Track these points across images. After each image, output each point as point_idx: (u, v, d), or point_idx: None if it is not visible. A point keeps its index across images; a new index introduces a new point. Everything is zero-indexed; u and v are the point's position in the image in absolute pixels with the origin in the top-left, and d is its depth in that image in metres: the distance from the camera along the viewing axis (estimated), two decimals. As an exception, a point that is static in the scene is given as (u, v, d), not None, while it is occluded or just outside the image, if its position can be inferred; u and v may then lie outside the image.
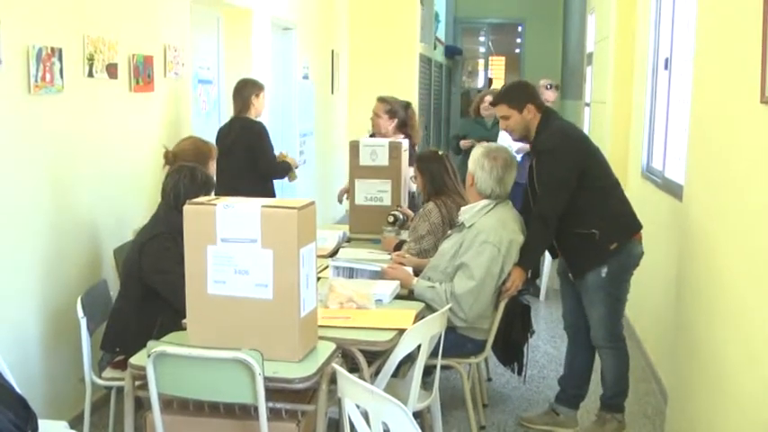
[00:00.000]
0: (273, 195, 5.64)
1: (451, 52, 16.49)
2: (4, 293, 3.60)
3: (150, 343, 2.65)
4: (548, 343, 5.68)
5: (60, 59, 3.83)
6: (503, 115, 4.02)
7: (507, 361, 4.35)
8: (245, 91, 5.58)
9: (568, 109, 12.12)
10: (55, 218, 3.92)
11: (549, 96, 7.33)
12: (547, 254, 7.00)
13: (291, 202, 2.77)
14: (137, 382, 2.81)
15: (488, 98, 7.30)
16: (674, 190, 4.45)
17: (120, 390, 3.42)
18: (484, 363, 4.75)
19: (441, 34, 14.87)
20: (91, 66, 4.13)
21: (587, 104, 9.53)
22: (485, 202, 3.85)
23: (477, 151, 3.89)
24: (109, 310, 3.71)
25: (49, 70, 3.76)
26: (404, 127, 5.95)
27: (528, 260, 3.88)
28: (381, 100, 5.99)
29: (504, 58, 20.35)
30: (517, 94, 4.02)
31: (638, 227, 3.98)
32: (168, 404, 2.78)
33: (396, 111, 5.92)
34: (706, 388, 3.26)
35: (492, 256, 3.71)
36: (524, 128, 3.99)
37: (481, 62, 20.54)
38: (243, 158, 5.59)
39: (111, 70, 4.32)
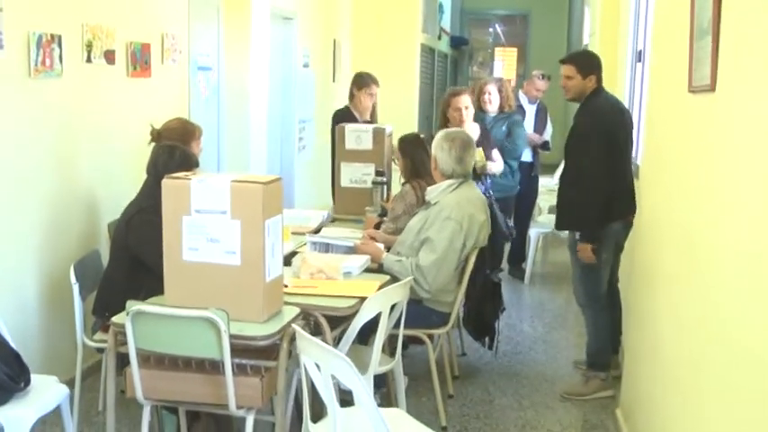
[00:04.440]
0: None
1: (457, 43, 16.65)
2: (5, 261, 3.90)
3: (129, 302, 2.93)
4: (525, 323, 5.93)
5: (60, 45, 4.11)
6: (567, 75, 4.30)
7: (479, 336, 4.62)
8: (351, 83, 6.18)
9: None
10: (54, 194, 4.22)
11: (541, 86, 7.48)
12: (531, 241, 7.28)
13: (260, 177, 3.03)
14: (119, 338, 3.09)
15: (490, 87, 6.15)
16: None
17: (110, 352, 3.69)
18: (458, 338, 5.00)
19: (446, 25, 15.03)
20: (89, 52, 4.40)
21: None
22: (449, 181, 4.11)
23: (438, 136, 4.15)
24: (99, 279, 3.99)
25: (49, 55, 4.04)
26: None
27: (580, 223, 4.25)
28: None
29: (516, 50, 20.46)
30: (588, 61, 4.34)
31: (627, 212, 4.23)
32: (146, 360, 3.05)
33: None
34: (645, 358, 3.51)
35: (454, 231, 3.96)
36: (579, 93, 4.29)
37: (494, 52, 20.66)
38: None
39: (109, 56, 4.59)
